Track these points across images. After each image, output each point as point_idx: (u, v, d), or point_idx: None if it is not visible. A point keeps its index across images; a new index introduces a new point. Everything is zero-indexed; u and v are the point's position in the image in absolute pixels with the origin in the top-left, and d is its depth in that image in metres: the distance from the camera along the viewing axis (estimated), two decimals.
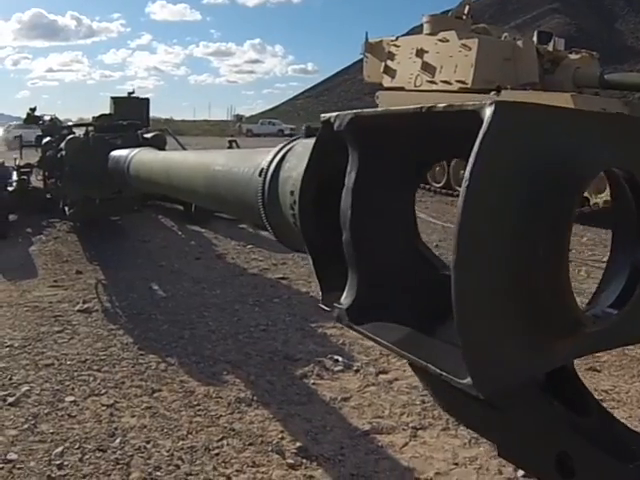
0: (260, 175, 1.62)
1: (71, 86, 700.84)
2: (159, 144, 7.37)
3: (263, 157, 1.68)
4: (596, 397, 1.07)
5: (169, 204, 10.49)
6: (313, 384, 4.47)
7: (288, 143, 1.64)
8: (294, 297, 6.50)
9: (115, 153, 5.89)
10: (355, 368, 4.78)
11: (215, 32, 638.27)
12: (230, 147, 13.82)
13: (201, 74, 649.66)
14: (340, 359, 4.95)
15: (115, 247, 8.32)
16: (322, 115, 1.16)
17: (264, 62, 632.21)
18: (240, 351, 5.04)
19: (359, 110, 1.05)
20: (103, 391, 4.19)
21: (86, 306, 5.88)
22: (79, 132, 8.38)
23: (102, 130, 7.69)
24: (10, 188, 9.76)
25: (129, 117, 8.87)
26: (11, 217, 9.75)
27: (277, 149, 1.63)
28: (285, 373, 4.65)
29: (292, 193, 1.40)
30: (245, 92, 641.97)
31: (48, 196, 9.81)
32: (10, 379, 4.36)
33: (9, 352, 4.87)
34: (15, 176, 10.65)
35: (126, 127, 8.35)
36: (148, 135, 7.55)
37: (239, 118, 69.82)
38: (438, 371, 0.82)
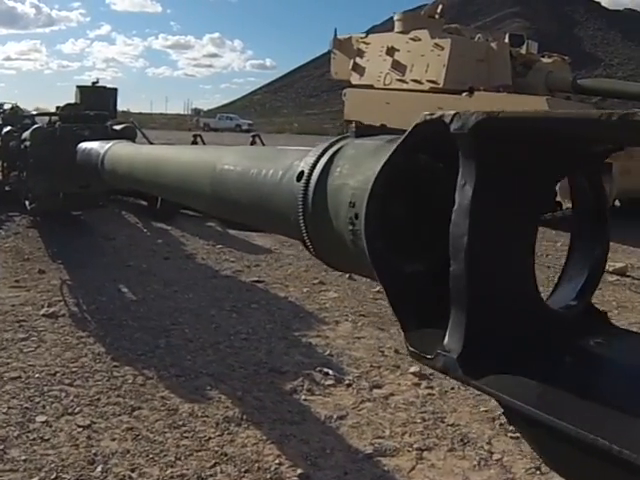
0: (299, 180, 1.39)
1: (28, 75, 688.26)
2: (130, 136, 6.98)
3: (296, 158, 1.49)
4: None
5: (132, 199, 10.08)
6: (305, 400, 4.17)
7: (332, 144, 1.39)
8: (272, 302, 6.19)
9: (84, 145, 5.58)
10: (347, 382, 4.51)
11: (175, 25, 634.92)
12: (195, 142, 13.41)
13: (159, 67, 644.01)
14: (330, 372, 4.66)
15: (79, 244, 7.88)
16: (425, 113, 1.00)
17: (223, 56, 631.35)
18: (222, 363, 4.72)
19: (492, 110, 0.88)
20: (77, 409, 3.81)
21: (52, 310, 5.47)
22: (42, 122, 7.92)
23: (68, 120, 7.25)
24: None
25: (96, 107, 8.43)
26: None
27: (319, 151, 1.39)
28: (273, 388, 4.34)
29: (352, 205, 1.19)
30: (203, 86, 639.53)
31: (7, 188, 9.30)
32: None
33: None
34: None
35: (94, 118, 7.93)
36: (118, 127, 7.14)
37: (197, 112, 69.08)
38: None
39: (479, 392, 0.89)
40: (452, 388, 4.44)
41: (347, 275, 6.98)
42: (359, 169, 1.22)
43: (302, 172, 1.38)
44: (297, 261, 7.61)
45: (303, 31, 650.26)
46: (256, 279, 6.85)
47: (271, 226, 1.89)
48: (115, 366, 4.50)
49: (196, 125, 52.78)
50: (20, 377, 4.25)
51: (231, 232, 8.85)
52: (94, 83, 10.47)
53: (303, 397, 4.21)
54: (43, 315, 5.39)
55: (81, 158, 5.54)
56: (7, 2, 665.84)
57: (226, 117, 57.28)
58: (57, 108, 8.68)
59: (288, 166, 1.49)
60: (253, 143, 13.99)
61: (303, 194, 1.35)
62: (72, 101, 9.18)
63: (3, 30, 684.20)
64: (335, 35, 18.78)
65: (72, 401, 3.91)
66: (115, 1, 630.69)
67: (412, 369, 4.72)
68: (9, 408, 3.76)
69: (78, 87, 9.71)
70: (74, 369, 4.42)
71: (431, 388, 4.47)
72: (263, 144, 12.89)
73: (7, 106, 10.65)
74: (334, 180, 1.29)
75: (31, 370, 4.36)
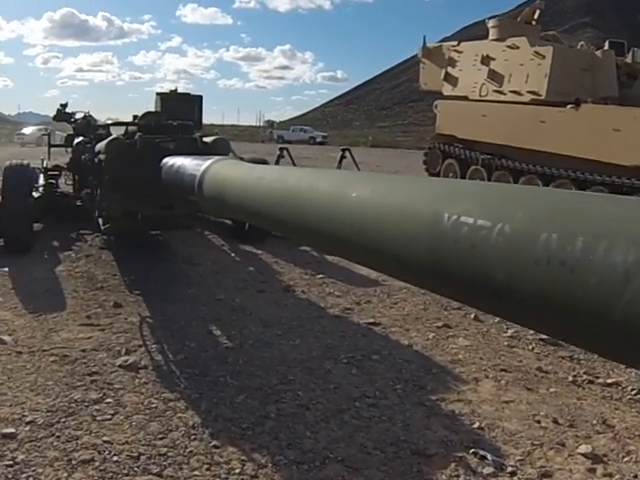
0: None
1: (100, 86, 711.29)
2: (224, 151, 5.94)
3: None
4: None
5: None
6: None
7: None
8: (395, 352, 5.01)
9: (171, 161, 4.68)
10: (509, 469, 3.39)
11: (245, 37, 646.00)
12: (281, 156, 12.36)
13: (230, 78, 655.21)
14: (488, 456, 3.48)
15: (159, 270, 6.86)
16: None
17: (294, 68, 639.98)
18: (351, 442, 3.56)
19: None
20: None
21: (131, 360, 4.40)
22: (117, 133, 6.91)
23: (148, 131, 6.25)
24: (35, 194, 8.33)
25: (179, 117, 7.42)
26: (36, 226, 8.35)
27: None
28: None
29: None
30: (274, 98, 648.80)
31: (78, 203, 8.39)
32: None
33: (30, 434, 3.42)
34: (42, 180, 9.25)
35: (177, 128, 6.93)
36: (208, 139, 6.10)
37: (270, 124, 68.12)
38: None
39: None
40: (635, 476, 3.38)
41: (472, 315, 5.86)
42: None
43: None
44: (412, 296, 6.40)
45: (374, 43, 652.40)
46: (371, 320, 5.67)
47: None
48: (215, 446, 3.39)
49: (270, 137, 51.98)
50: (93, 460, 3.19)
51: (329, 258, 7.69)
52: (173, 91, 9.49)
53: None
54: (120, 366, 4.33)
55: (168, 176, 4.58)
56: (79, 15, 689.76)
57: (300, 129, 55.92)
58: (134, 118, 7.67)
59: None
60: (343, 158, 12.89)
61: None
62: (142, 112, 8.13)
63: (75, 42, 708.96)
64: (424, 43, 17.58)
65: None
66: (185, 13, 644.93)
67: (581, 448, 3.63)
68: None
69: (158, 94, 8.67)
70: (163, 449, 3.33)
71: (610, 476, 3.41)
72: (353, 159, 11.81)
73: (79, 115, 9.74)
74: None
75: (107, 450, 3.28)
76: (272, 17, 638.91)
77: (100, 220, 6.54)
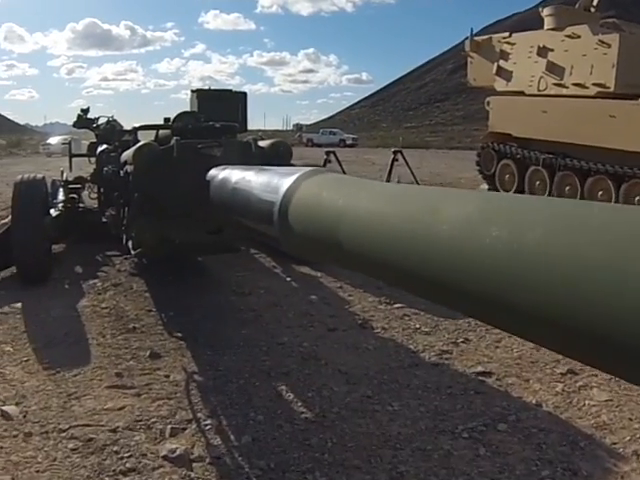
0: None
1: (125, 95, 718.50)
2: (287, 158, 4.74)
3: None
4: None
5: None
6: None
7: None
8: (525, 417, 3.75)
9: (224, 174, 3.56)
10: None
11: (269, 41, 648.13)
12: (328, 161, 11.19)
13: (256, 83, 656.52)
14: None
15: (203, 303, 5.63)
16: None
17: (318, 72, 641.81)
18: None
19: None
20: None
21: (180, 448, 3.17)
22: (147, 138, 5.68)
23: (184, 135, 5.04)
24: (54, 211, 7.15)
25: (220, 117, 6.21)
26: (56, 248, 7.19)
27: None
28: None
29: None
30: (299, 102, 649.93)
31: (104, 220, 7.16)
32: None
33: None
34: (62, 194, 8.08)
35: (221, 131, 5.70)
36: (264, 143, 4.88)
37: (299, 127, 66.90)
38: None
39: None
40: None
41: None
42: None
43: None
44: None
45: (398, 44, 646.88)
46: (479, 369, 4.39)
47: None
48: None
49: (299, 140, 50.79)
50: None
51: None
52: (209, 89, 8.24)
53: None
54: (165, 458, 3.10)
55: (221, 196, 3.39)
56: (101, 25, 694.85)
57: (329, 132, 54.04)
58: (165, 120, 6.42)
59: None
60: (395, 161, 11.66)
61: None
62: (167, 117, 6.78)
63: (99, 52, 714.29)
64: (471, 36, 16.23)
65: None
66: (208, 20, 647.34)
67: None
68: None
69: (194, 91, 7.40)
70: None
71: None
72: (406, 161, 10.61)
73: (102, 120, 8.53)
74: None
75: None
76: (295, 21, 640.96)
77: (129, 244, 5.30)
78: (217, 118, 6.13)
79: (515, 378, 4.32)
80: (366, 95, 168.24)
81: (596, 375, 4.39)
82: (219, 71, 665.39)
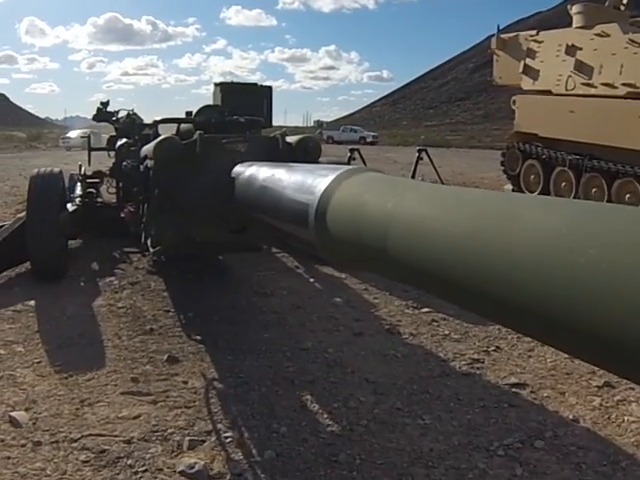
0: None
1: (146, 90, 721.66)
2: (315, 156, 4.52)
3: None
4: None
5: None
6: None
7: None
8: (562, 434, 3.52)
9: (250, 170, 3.41)
10: None
11: (290, 38, 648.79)
12: (352, 157, 10.96)
13: (277, 79, 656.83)
14: None
15: (223, 304, 5.42)
16: None
17: (339, 69, 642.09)
18: None
19: None
20: None
21: (198, 463, 2.96)
22: (168, 133, 5.47)
23: (207, 129, 4.84)
24: (71, 206, 6.97)
25: (244, 112, 5.99)
26: (73, 243, 7.02)
27: None
28: None
29: None
30: (320, 98, 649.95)
31: (123, 215, 6.98)
32: None
33: None
34: (79, 189, 7.91)
35: (246, 126, 5.51)
36: (291, 139, 4.66)
37: (320, 124, 66.47)
38: None
39: None
40: None
41: None
42: None
43: None
44: None
45: (420, 42, 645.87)
46: (513, 380, 4.14)
47: None
48: None
49: (320, 137, 50.62)
50: None
51: None
52: (233, 82, 8.00)
53: None
54: (182, 474, 2.89)
55: (247, 194, 3.21)
56: (123, 20, 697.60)
57: (350, 129, 53.91)
58: (187, 114, 6.23)
59: None
60: (419, 159, 11.39)
61: None
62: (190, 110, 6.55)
63: (120, 47, 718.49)
64: (497, 33, 15.92)
65: None
66: (230, 15, 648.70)
67: None
68: None
69: (217, 84, 7.18)
70: None
71: None
72: (431, 160, 10.37)
73: (122, 113, 8.34)
74: None
75: None
76: (316, 17, 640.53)
77: (148, 241, 5.11)
78: (241, 112, 5.93)
79: (550, 390, 4.07)
80: (387, 93, 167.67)
81: (633, 389, 4.15)
82: (240, 67, 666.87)
